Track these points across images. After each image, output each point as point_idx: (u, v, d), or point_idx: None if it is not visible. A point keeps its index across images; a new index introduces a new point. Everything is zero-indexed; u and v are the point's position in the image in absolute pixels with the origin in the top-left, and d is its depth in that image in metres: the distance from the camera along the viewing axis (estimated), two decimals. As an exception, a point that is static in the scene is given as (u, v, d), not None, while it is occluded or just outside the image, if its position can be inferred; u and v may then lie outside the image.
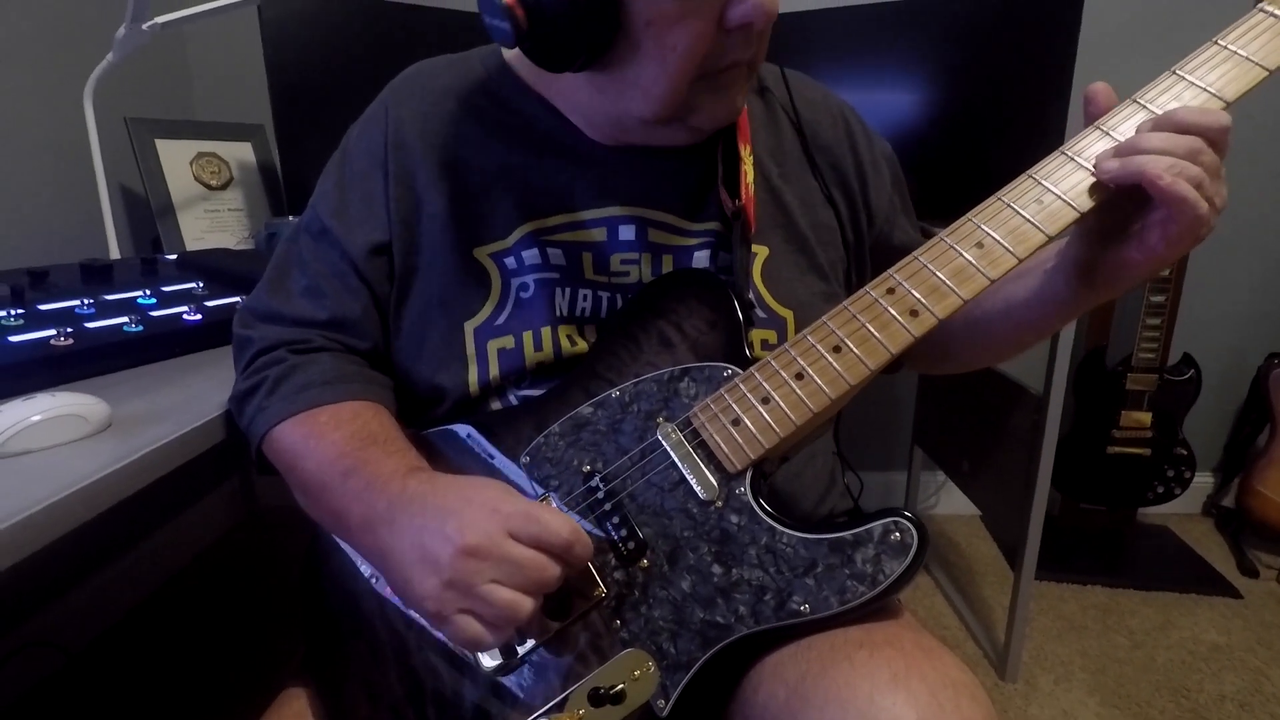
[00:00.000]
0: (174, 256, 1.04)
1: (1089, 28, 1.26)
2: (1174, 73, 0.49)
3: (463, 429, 0.59)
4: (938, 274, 0.49)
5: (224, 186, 1.37)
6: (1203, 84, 0.48)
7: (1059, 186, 0.49)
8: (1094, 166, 0.47)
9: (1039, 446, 1.22)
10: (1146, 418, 1.58)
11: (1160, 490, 1.64)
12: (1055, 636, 1.45)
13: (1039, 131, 1.30)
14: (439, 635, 0.53)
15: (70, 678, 1.29)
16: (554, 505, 0.53)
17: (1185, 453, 1.61)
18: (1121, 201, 0.48)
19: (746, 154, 0.61)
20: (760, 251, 0.62)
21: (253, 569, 1.66)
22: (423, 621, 0.53)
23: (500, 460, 0.57)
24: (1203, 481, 1.85)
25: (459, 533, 0.45)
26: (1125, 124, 0.49)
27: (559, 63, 0.54)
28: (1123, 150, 0.46)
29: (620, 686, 0.47)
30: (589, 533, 0.48)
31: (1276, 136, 1.65)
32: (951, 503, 1.86)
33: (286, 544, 1.71)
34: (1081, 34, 1.24)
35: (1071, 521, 1.73)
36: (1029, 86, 1.31)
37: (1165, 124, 0.46)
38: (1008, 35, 1.31)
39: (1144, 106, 0.49)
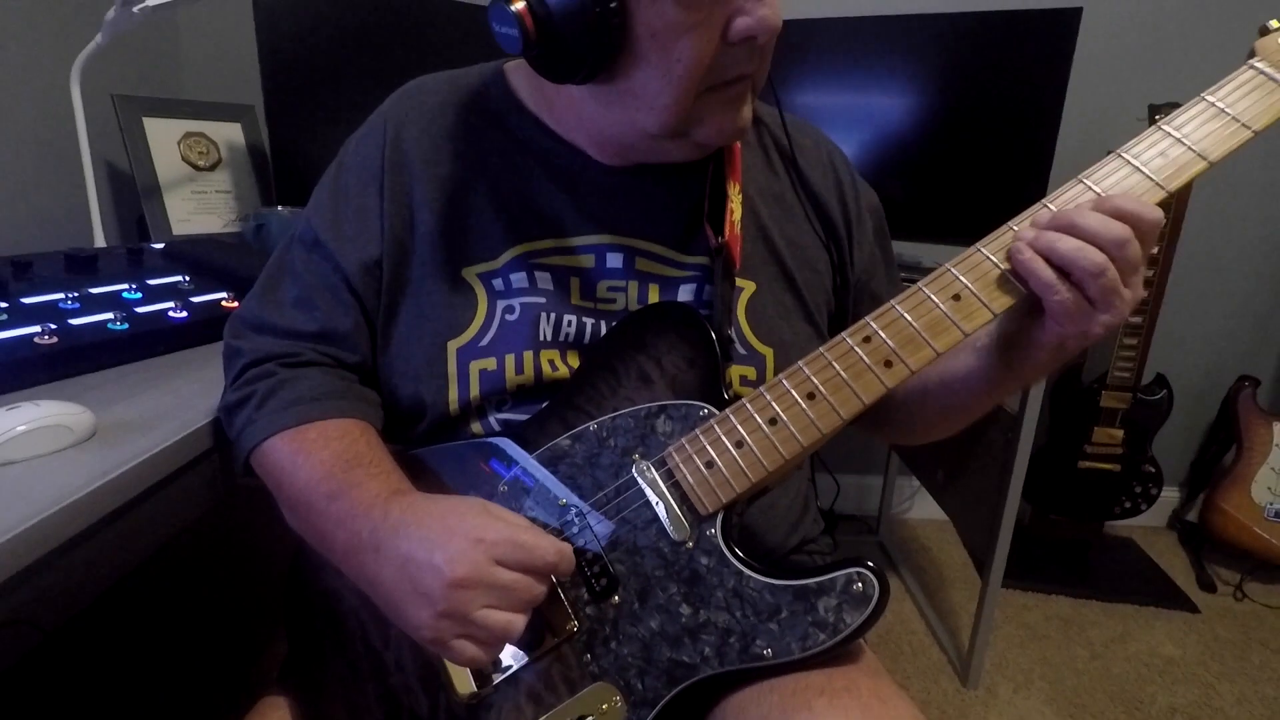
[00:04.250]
0: (160, 246, 1.03)
1: (1084, 52, 1.27)
2: (1160, 128, 0.49)
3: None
4: (914, 324, 0.50)
5: (212, 168, 1.36)
6: (1188, 142, 0.48)
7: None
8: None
9: (1011, 463, 1.24)
10: (1119, 434, 1.62)
11: (1128, 505, 1.68)
12: (1018, 644, 1.49)
13: (1029, 150, 1.31)
14: (416, 659, 0.54)
15: (48, 654, 1.30)
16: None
17: (1154, 470, 1.65)
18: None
19: (735, 193, 0.62)
20: (746, 287, 0.63)
21: (234, 548, 1.67)
22: (401, 644, 0.55)
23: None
24: (1169, 495, 1.89)
25: (448, 565, 0.46)
26: (1109, 178, 0.49)
27: (563, 73, 0.53)
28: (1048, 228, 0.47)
29: (588, 719, 0.49)
30: None
31: (1255, 165, 1.67)
32: (925, 507, 1.90)
33: (267, 524, 1.71)
34: (1076, 56, 1.25)
35: (1040, 530, 1.77)
36: (1023, 105, 1.32)
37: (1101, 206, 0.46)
38: (1004, 54, 1.32)
39: (1129, 161, 0.49)
